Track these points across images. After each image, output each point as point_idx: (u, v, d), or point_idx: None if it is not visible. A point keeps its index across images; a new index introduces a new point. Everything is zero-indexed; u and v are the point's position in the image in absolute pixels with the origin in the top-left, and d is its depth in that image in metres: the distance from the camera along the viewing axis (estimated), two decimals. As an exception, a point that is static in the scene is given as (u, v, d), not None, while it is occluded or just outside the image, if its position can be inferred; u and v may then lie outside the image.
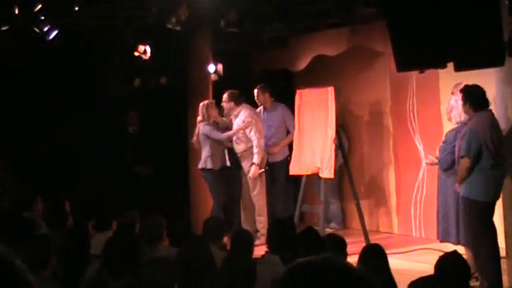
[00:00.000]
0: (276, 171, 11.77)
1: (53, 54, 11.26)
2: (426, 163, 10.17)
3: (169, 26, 10.09)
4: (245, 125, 11.18)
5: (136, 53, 11.62)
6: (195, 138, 11.37)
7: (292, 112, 11.39)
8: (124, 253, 5.37)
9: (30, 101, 11.74)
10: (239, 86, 11.88)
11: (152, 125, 12.57)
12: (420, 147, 11.35)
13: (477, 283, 8.08)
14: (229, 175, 11.70)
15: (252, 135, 11.16)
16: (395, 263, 8.88)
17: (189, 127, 12.07)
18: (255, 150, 11.13)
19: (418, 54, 7.42)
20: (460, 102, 8.32)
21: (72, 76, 11.88)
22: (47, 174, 11.50)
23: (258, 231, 11.07)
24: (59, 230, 7.39)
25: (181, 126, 12.21)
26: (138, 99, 12.49)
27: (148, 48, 11.58)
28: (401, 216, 11.94)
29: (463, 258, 5.81)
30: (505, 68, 7.74)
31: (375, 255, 5.76)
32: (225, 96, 11.43)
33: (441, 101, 10.68)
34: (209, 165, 11.26)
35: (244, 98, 11.54)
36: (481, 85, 8.15)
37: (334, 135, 10.45)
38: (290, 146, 11.56)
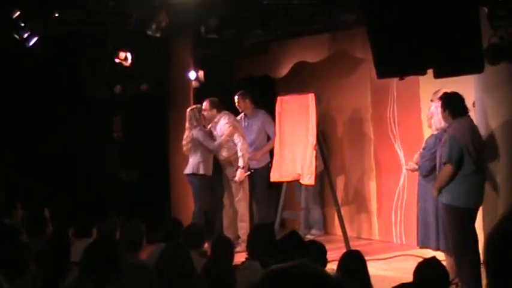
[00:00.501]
0: (257, 178, 11.77)
1: (32, 60, 11.22)
2: (406, 169, 10.19)
3: (149, 32, 10.07)
4: (231, 132, 11.20)
5: (117, 60, 11.59)
6: (184, 142, 11.33)
7: (273, 118, 11.40)
8: (104, 260, 5.34)
9: (10, 108, 11.67)
10: (220, 92, 11.90)
11: (134, 131, 12.54)
12: (401, 153, 11.38)
13: (457, 289, 8.12)
14: (212, 181, 11.73)
15: (235, 138, 11.18)
16: (376, 269, 8.91)
17: (170, 133, 12.07)
18: (240, 153, 11.14)
19: (398, 61, 7.45)
20: (441, 110, 8.35)
21: (52, 83, 11.83)
22: (26, 181, 11.44)
23: (239, 237, 11.07)
24: (38, 237, 7.34)
25: (162, 132, 12.19)
26: (119, 105, 12.46)
27: (129, 55, 11.57)
28: (382, 223, 11.96)
29: (441, 264, 5.83)
30: (484, 75, 7.78)
31: (354, 261, 5.76)
32: (205, 104, 11.41)
33: (422, 108, 10.71)
34: (202, 171, 11.26)
35: (222, 105, 11.55)
36: (461, 92, 8.19)
37: (314, 142, 10.46)
38: (271, 153, 11.56)
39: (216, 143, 11.29)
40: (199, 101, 11.99)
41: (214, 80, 12.53)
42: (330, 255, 6.38)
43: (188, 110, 11.32)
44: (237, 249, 9.03)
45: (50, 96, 11.87)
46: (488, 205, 8.06)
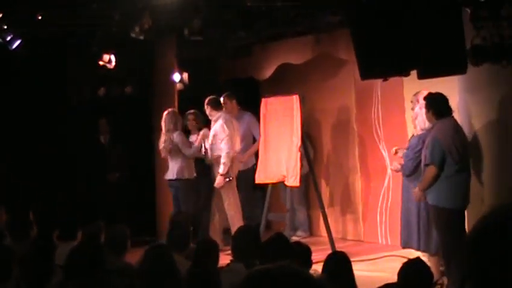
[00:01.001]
0: (242, 180, 11.76)
1: (15, 63, 11.18)
2: (391, 169, 10.21)
3: (132, 34, 10.06)
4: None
5: (101, 62, 11.57)
6: (162, 145, 11.33)
7: (258, 120, 11.40)
8: (88, 263, 5.33)
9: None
10: (204, 94, 11.89)
11: (118, 134, 12.51)
12: (385, 154, 11.40)
13: (442, 289, 8.14)
14: (196, 184, 11.75)
15: (223, 145, 11.16)
16: (362, 270, 8.93)
17: (154, 136, 12.06)
18: (222, 160, 11.13)
19: (382, 63, 7.47)
20: (425, 111, 8.38)
21: (35, 85, 11.79)
22: (10, 184, 11.40)
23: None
24: (22, 240, 7.31)
25: (146, 135, 12.18)
26: (103, 108, 12.43)
27: (113, 57, 11.55)
28: (367, 224, 11.97)
29: (425, 264, 5.84)
30: (467, 76, 7.81)
31: (339, 262, 5.77)
32: (206, 102, 11.44)
33: (406, 109, 10.73)
34: (186, 175, 11.29)
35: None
36: (444, 93, 8.22)
37: (299, 143, 10.46)
38: (256, 154, 11.56)
39: (191, 150, 11.34)
40: (183, 103, 12.00)
41: (198, 82, 12.52)
42: (315, 257, 6.39)
43: (165, 113, 11.32)
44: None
45: (33, 99, 11.82)
46: (473, 205, 8.08)
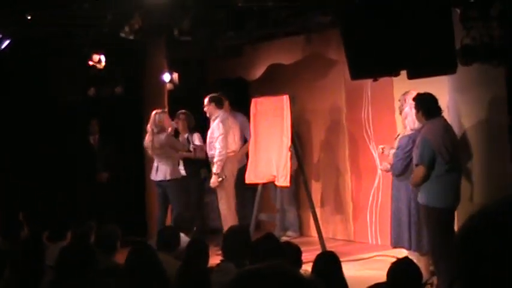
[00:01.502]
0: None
1: (5, 63, 11.15)
2: (381, 169, 10.23)
3: (122, 35, 10.04)
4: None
5: (90, 63, 11.55)
6: (148, 145, 11.35)
7: (249, 120, 11.40)
8: (79, 264, 5.32)
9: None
10: (194, 94, 11.91)
11: (109, 134, 12.49)
12: (376, 154, 11.40)
13: (432, 289, 8.15)
14: (185, 184, 11.80)
15: (217, 144, 11.18)
16: (352, 270, 8.95)
17: (145, 136, 12.04)
18: (215, 159, 11.16)
19: (372, 63, 7.49)
20: (415, 111, 8.40)
21: (25, 86, 11.76)
22: (0, 184, 11.36)
23: None
24: (13, 240, 7.31)
25: (137, 135, 12.16)
26: (93, 108, 12.41)
27: (103, 58, 11.53)
28: (357, 224, 11.99)
29: (414, 264, 5.86)
30: (457, 76, 7.83)
31: (328, 262, 5.78)
32: (206, 100, 11.45)
33: (396, 109, 10.73)
34: (178, 176, 11.36)
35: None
36: (434, 93, 8.22)
37: (289, 143, 10.47)
38: (247, 155, 11.57)
39: (178, 154, 11.41)
40: (173, 103, 12.01)
41: (188, 83, 12.52)
42: (305, 257, 6.39)
43: (153, 113, 11.33)
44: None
45: (22, 100, 11.79)
46: (463, 205, 8.10)
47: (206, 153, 11.60)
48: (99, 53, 11.52)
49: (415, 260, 7.70)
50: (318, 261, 5.78)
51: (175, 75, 12.25)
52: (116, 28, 10.14)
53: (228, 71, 13.33)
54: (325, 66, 12.09)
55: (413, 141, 8.36)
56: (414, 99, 8.31)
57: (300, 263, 5.94)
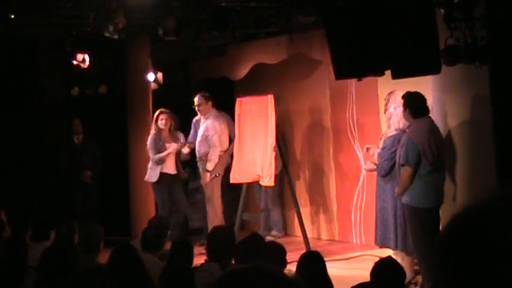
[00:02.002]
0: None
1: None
2: (365, 169, 10.24)
3: (106, 34, 10.02)
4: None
5: (74, 62, 11.52)
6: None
7: (233, 120, 11.41)
8: (62, 264, 5.30)
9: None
10: (178, 94, 11.91)
11: (93, 133, 12.45)
12: (360, 154, 11.41)
13: (417, 288, 8.18)
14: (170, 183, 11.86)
15: (213, 142, 11.25)
16: (336, 269, 8.95)
17: (129, 135, 12.03)
18: (212, 156, 11.25)
19: (356, 63, 7.50)
20: (400, 110, 8.41)
21: (9, 85, 11.70)
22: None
23: None
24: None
25: (121, 134, 12.14)
26: (77, 107, 12.36)
27: (87, 57, 11.50)
28: (341, 223, 11.99)
29: (397, 263, 5.88)
30: (441, 76, 7.85)
31: (312, 262, 5.78)
32: (197, 99, 11.46)
33: (380, 109, 10.76)
34: (149, 179, 11.42)
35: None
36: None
37: (274, 143, 10.47)
38: (231, 155, 11.58)
39: (156, 156, 11.41)
40: (158, 103, 11.99)
41: (173, 82, 12.51)
42: (290, 257, 6.39)
43: (159, 112, 11.37)
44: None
45: (6, 99, 11.73)
46: (446, 205, 8.12)
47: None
48: (83, 53, 11.49)
49: (399, 260, 7.75)
50: (303, 261, 5.79)
51: (160, 75, 12.24)
52: (100, 27, 10.12)
53: (213, 71, 13.32)
54: (310, 66, 12.10)
55: (399, 141, 8.38)
56: (403, 97, 8.33)
57: (284, 262, 5.95)
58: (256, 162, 10.74)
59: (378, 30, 7.23)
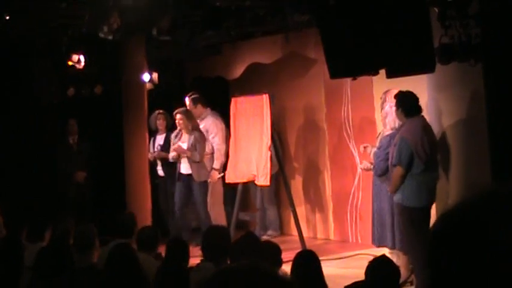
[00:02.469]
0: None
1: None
2: (361, 169, 10.24)
3: (101, 34, 10.02)
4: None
5: (70, 63, 11.50)
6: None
7: (228, 120, 11.42)
8: (57, 264, 5.31)
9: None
10: (174, 94, 11.91)
11: (88, 134, 12.44)
12: (355, 153, 11.43)
13: (412, 287, 8.17)
14: (164, 185, 11.89)
15: (216, 140, 11.29)
16: (332, 268, 8.97)
17: (124, 135, 12.02)
18: (217, 155, 11.27)
19: (351, 62, 7.50)
20: (395, 109, 8.42)
21: (4, 86, 11.69)
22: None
23: None
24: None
25: (117, 134, 12.13)
26: (73, 108, 12.35)
27: (82, 58, 11.48)
28: (337, 222, 12.01)
29: (391, 261, 5.88)
30: (435, 75, 7.86)
31: (307, 261, 5.78)
32: (187, 102, 11.48)
33: (375, 108, 10.78)
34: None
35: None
36: (414, 91, 8.26)
37: (269, 143, 10.48)
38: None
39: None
40: (153, 103, 12.00)
41: (168, 82, 12.51)
42: (286, 256, 6.39)
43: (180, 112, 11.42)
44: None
45: (2, 99, 11.72)
46: (440, 205, 8.13)
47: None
48: (78, 53, 11.47)
49: (395, 259, 7.77)
50: (297, 260, 5.79)
51: (155, 75, 12.25)
52: (95, 28, 10.11)
53: (208, 70, 13.33)
54: (305, 65, 12.11)
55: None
56: (395, 96, 8.33)
57: (279, 261, 5.94)
58: (251, 161, 10.75)
59: (372, 29, 7.23)
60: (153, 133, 12.14)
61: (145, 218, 11.27)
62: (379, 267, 5.46)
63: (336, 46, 7.67)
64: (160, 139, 12.03)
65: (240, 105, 11.07)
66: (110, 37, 10.08)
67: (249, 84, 12.52)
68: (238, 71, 12.66)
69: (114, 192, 12.20)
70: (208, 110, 11.62)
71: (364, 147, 9.49)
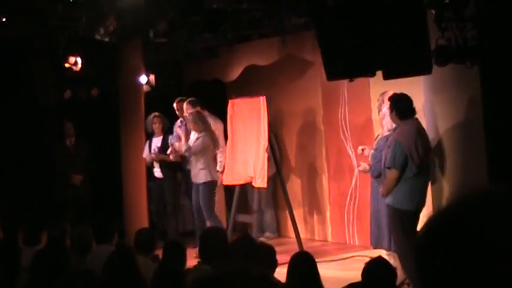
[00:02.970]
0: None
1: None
2: (359, 170, 10.24)
3: (97, 37, 10.02)
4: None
5: (66, 65, 11.49)
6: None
7: (225, 122, 11.43)
8: (54, 267, 5.30)
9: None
10: (171, 96, 11.92)
11: (85, 137, 12.43)
12: (352, 155, 11.43)
13: (408, 289, 8.19)
14: (160, 187, 11.92)
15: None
16: (330, 270, 8.97)
17: (121, 138, 12.02)
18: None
19: (347, 63, 7.51)
20: (388, 112, 8.43)
21: (1, 88, 11.68)
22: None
23: None
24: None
25: (114, 137, 12.13)
26: (69, 111, 12.33)
27: (79, 60, 11.48)
28: (335, 224, 12.00)
29: (387, 263, 5.88)
30: (432, 77, 7.86)
31: (303, 262, 5.78)
32: (185, 106, 11.51)
33: (372, 109, 10.78)
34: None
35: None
36: (410, 94, 8.26)
37: (266, 145, 10.49)
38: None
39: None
40: (150, 105, 12.01)
41: (165, 85, 12.52)
42: (283, 258, 6.39)
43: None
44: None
45: (1, 99, 11.71)
46: (434, 208, 8.14)
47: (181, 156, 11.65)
48: (75, 55, 11.47)
49: (392, 260, 7.77)
50: (293, 262, 5.78)
51: (152, 77, 12.25)
52: (92, 30, 10.10)
53: (205, 73, 13.32)
54: (302, 68, 12.12)
55: (389, 142, 8.39)
56: (389, 99, 8.35)
57: (274, 263, 5.94)
58: (248, 163, 10.75)
59: (369, 30, 7.24)
60: (149, 136, 12.12)
61: (142, 220, 11.27)
62: (375, 269, 5.46)
63: (333, 48, 7.68)
64: (157, 141, 11.99)
65: (237, 108, 11.07)
66: (107, 39, 10.09)
67: (246, 87, 12.52)
68: (235, 73, 12.66)
69: (111, 195, 12.20)
70: (206, 112, 11.63)
71: (362, 149, 9.50)
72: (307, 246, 10.54)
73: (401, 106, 8.13)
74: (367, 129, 11.01)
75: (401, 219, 7.97)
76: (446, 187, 8.35)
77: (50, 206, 11.48)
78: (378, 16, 7.22)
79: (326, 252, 10.77)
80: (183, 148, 11.18)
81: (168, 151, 11.55)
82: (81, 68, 11.51)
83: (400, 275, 7.79)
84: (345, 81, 9.90)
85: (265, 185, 10.59)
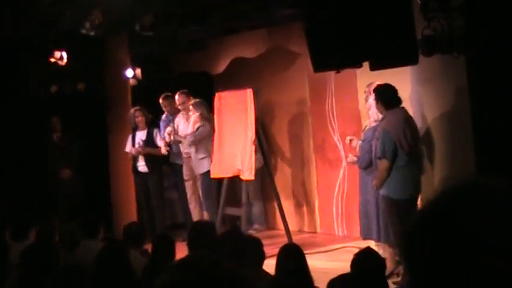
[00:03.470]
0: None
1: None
2: (347, 162, 10.26)
3: (83, 31, 9.97)
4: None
5: (52, 59, 11.44)
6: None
7: (212, 114, 11.42)
8: (43, 262, 5.29)
9: None
10: (158, 89, 11.90)
11: (72, 131, 12.38)
12: (340, 146, 11.45)
13: (398, 279, 8.19)
14: (145, 181, 11.90)
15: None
16: (319, 261, 8.98)
17: (108, 132, 11.99)
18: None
19: (334, 55, 7.51)
20: (374, 103, 8.44)
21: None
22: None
23: None
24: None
25: (101, 131, 12.09)
26: (56, 105, 12.28)
27: (64, 54, 11.42)
28: (323, 215, 12.02)
29: (376, 253, 5.89)
30: (419, 67, 7.87)
31: (291, 255, 5.77)
32: (177, 97, 11.52)
33: (360, 100, 10.80)
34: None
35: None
36: (397, 84, 8.28)
37: (253, 137, 10.48)
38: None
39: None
40: (137, 99, 11.98)
41: (152, 78, 12.49)
42: (272, 250, 6.39)
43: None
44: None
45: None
46: (426, 196, 8.16)
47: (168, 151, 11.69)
48: (60, 50, 11.41)
49: (381, 251, 7.78)
50: (281, 254, 5.78)
51: (138, 71, 12.22)
52: (77, 24, 10.06)
53: (192, 65, 13.30)
54: (289, 59, 12.12)
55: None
56: (374, 90, 8.37)
57: (262, 256, 5.92)
58: (236, 156, 10.75)
59: (355, 21, 7.24)
60: (132, 130, 12.03)
61: (130, 214, 11.25)
62: (364, 260, 5.47)
63: (319, 39, 7.67)
64: (141, 135, 11.90)
65: (224, 100, 11.06)
66: (92, 33, 10.04)
67: (234, 79, 12.51)
68: (222, 65, 12.65)
69: (99, 189, 12.16)
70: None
71: (350, 140, 9.51)
72: (296, 238, 10.57)
73: (386, 96, 8.14)
74: (354, 120, 11.02)
75: (397, 208, 7.99)
76: (434, 177, 8.36)
77: (39, 201, 11.44)
78: (364, 7, 7.22)
79: (315, 244, 10.78)
80: (187, 141, 11.22)
81: (162, 148, 11.56)
82: (67, 62, 11.46)
83: (389, 265, 7.81)
84: (332, 73, 9.90)
85: (252, 178, 10.59)
